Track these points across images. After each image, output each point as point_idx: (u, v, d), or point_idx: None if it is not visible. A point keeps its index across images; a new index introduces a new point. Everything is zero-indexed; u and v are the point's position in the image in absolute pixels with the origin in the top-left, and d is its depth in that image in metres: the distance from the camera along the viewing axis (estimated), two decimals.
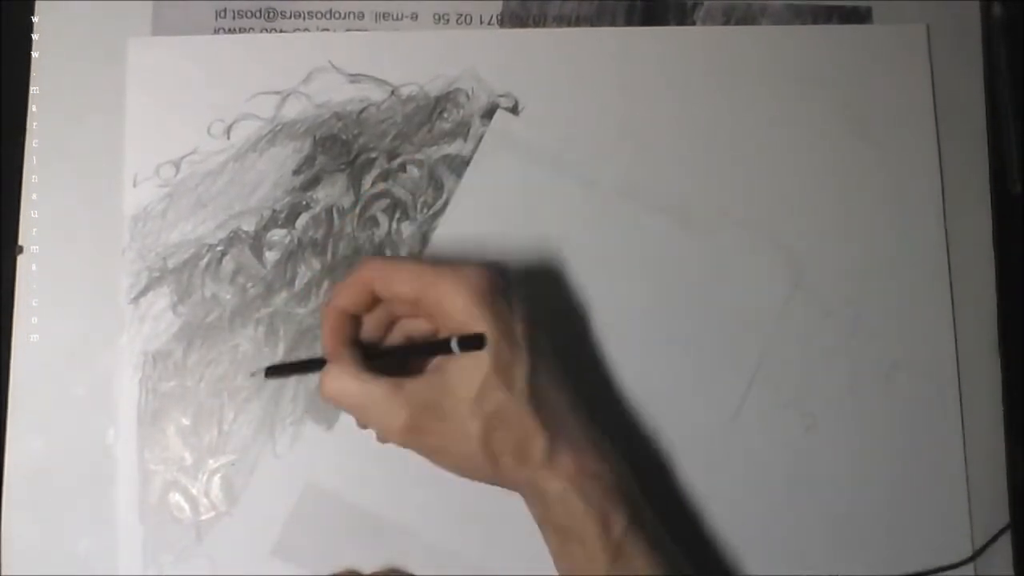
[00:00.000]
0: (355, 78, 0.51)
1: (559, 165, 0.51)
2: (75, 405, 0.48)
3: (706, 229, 0.51)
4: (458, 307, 0.40)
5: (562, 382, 0.43)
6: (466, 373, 0.40)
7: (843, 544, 0.49)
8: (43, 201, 0.49)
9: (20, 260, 0.49)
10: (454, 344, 0.40)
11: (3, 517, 0.47)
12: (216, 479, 0.48)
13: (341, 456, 0.48)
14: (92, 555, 0.47)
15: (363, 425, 0.42)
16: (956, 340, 0.50)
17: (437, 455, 0.42)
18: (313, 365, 0.43)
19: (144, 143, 0.50)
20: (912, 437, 0.50)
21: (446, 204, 0.50)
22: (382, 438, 0.42)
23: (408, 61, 0.51)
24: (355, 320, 0.43)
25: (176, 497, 0.48)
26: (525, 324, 0.41)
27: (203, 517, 0.48)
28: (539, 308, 0.43)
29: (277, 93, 0.51)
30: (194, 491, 0.48)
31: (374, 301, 0.43)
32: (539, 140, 0.51)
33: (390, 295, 0.42)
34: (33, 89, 0.50)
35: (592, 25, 0.53)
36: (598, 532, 0.40)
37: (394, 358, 0.44)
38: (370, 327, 0.44)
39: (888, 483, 0.49)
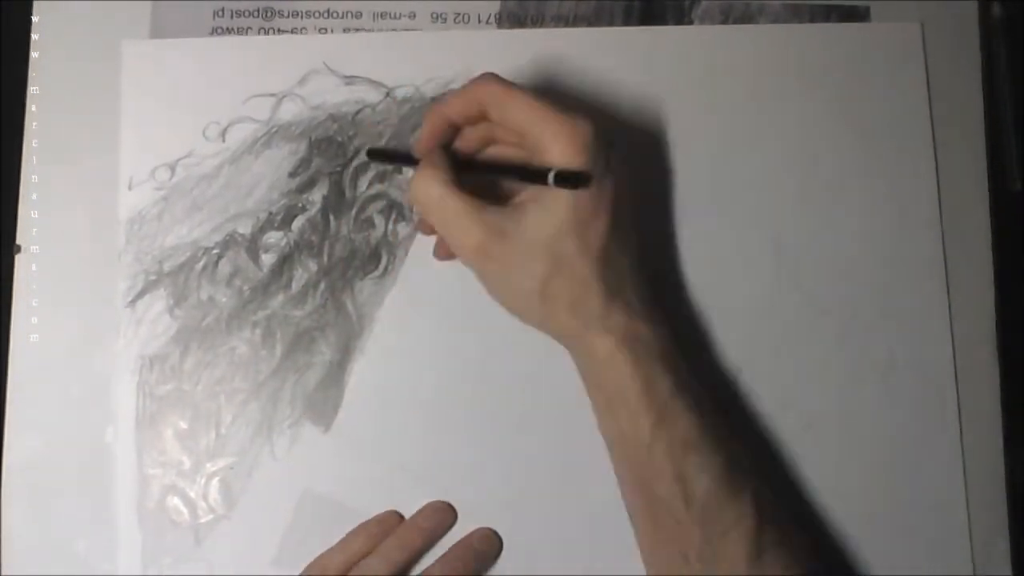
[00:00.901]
0: (350, 80, 0.51)
1: None
2: (73, 407, 0.48)
3: (700, 228, 0.50)
4: (561, 148, 0.41)
5: (632, 248, 0.43)
6: (546, 215, 0.41)
7: (839, 545, 0.48)
8: (41, 202, 0.49)
9: (18, 259, 0.49)
10: (551, 177, 0.40)
11: (2, 516, 0.47)
12: (214, 482, 0.48)
13: (339, 458, 0.48)
14: (91, 556, 0.47)
15: (431, 232, 0.44)
16: (953, 338, 0.50)
17: (497, 284, 0.43)
18: (408, 159, 0.45)
19: (139, 146, 0.50)
20: (909, 436, 0.49)
21: None
22: (451, 251, 0.43)
23: (403, 63, 0.51)
24: (455, 128, 0.44)
25: (174, 500, 0.48)
26: (615, 186, 0.42)
27: (201, 520, 0.48)
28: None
29: (272, 95, 0.51)
30: (192, 494, 0.48)
31: (480, 117, 0.43)
32: None
33: (500, 119, 0.43)
34: (32, 89, 0.50)
35: (590, 25, 0.52)
36: (643, 394, 0.41)
37: (484, 174, 0.44)
38: (467, 139, 0.45)
39: (885, 483, 0.49)
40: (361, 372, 0.49)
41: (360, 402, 0.49)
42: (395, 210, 0.50)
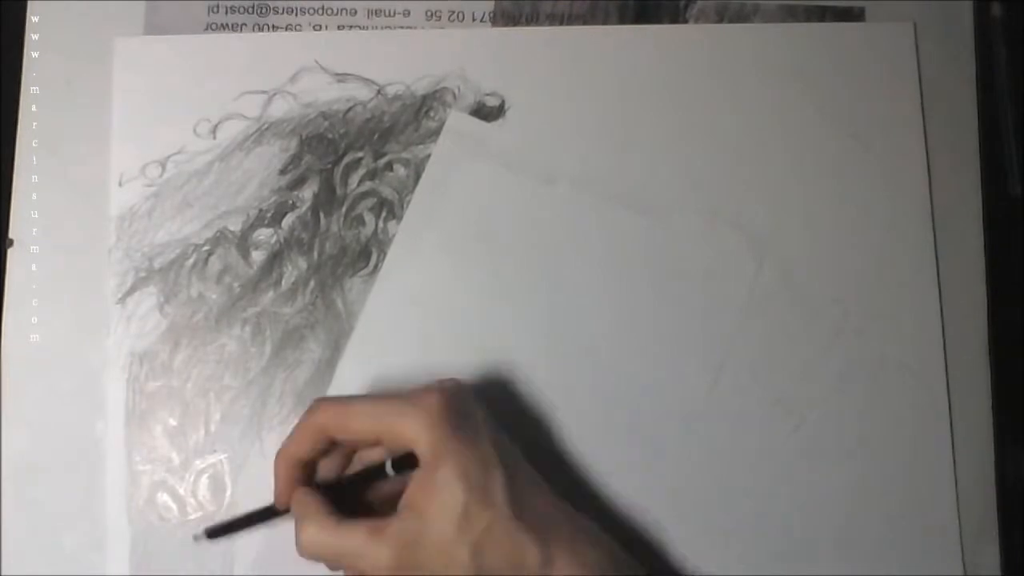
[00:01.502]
0: (341, 77, 0.51)
1: (540, 166, 0.50)
2: (64, 403, 0.48)
3: (690, 227, 0.50)
4: (422, 440, 0.40)
5: (540, 481, 0.42)
6: (444, 503, 0.39)
7: (830, 545, 0.48)
8: (37, 198, 0.49)
9: (11, 254, 0.49)
10: (388, 467, 0.40)
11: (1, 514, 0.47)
12: (203, 479, 0.48)
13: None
14: (79, 552, 0.47)
15: (343, 570, 0.41)
16: (944, 338, 0.50)
17: None
18: (263, 516, 0.43)
19: (130, 142, 0.50)
20: (900, 436, 0.49)
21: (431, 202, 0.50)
22: None
23: (394, 60, 0.51)
24: (309, 465, 0.43)
25: (163, 497, 0.48)
26: (492, 438, 0.41)
27: (190, 517, 0.48)
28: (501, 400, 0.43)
29: (263, 92, 0.51)
30: (181, 491, 0.48)
31: (330, 445, 0.42)
32: (524, 140, 0.50)
33: (349, 438, 0.42)
34: (33, 89, 0.50)
35: (585, 23, 0.52)
36: None
37: (355, 491, 0.43)
38: (326, 468, 0.44)
39: (876, 483, 0.49)
40: (350, 369, 0.49)
41: None
42: (385, 208, 0.50)
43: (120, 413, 0.48)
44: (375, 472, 0.41)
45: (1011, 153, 0.51)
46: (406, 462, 0.40)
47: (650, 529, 0.48)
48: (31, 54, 0.50)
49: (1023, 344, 0.51)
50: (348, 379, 0.49)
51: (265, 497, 0.46)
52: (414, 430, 0.40)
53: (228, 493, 0.48)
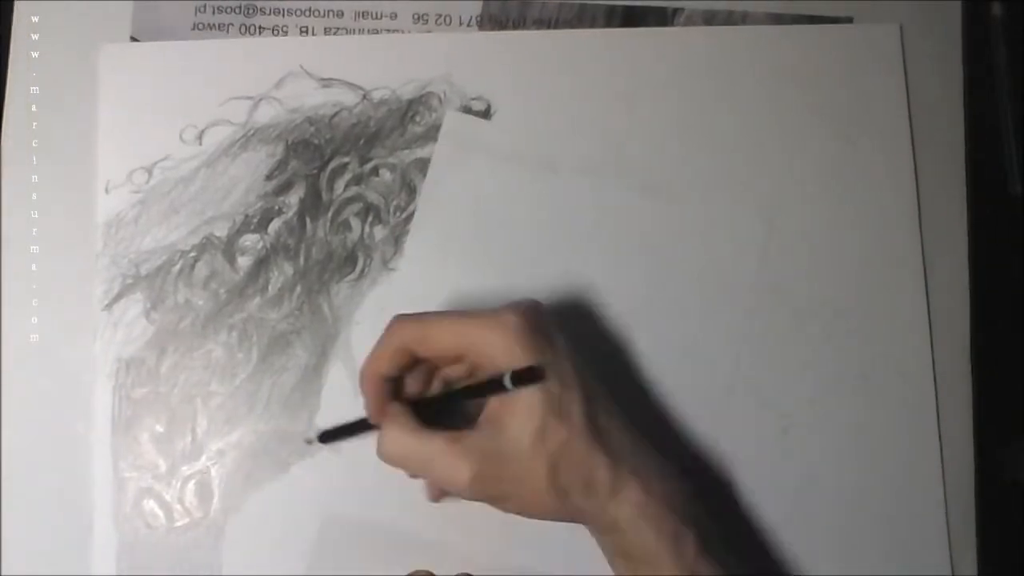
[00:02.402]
0: (327, 82, 0.51)
1: (532, 166, 0.50)
2: (52, 409, 0.48)
3: (680, 222, 0.50)
4: (502, 352, 0.40)
5: (615, 408, 0.42)
6: (522, 417, 0.40)
7: (817, 547, 0.48)
8: (26, 202, 0.49)
9: (7, 254, 0.49)
10: (507, 380, 0.39)
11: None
12: (190, 486, 0.48)
13: (320, 458, 0.48)
14: (66, 558, 0.47)
15: (440, 495, 0.43)
16: (932, 341, 0.50)
17: (504, 501, 0.41)
18: (365, 426, 0.43)
19: (116, 149, 0.50)
20: (888, 438, 0.49)
21: (418, 207, 0.50)
22: (447, 492, 0.42)
23: (380, 65, 0.51)
24: (395, 380, 0.43)
25: (150, 504, 0.48)
26: (572, 358, 0.41)
27: (177, 524, 0.48)
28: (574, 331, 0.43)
29: (249, 98, 0.51)
30: (168, 498, 0.48)
31: (413, 361, 0.42)
32: (511, 142, 0.51)
33: (430, 353, 0.42)
34: (33, 89, 0.50)
35: (572, 28, 0.52)
36: (671, 557, 0.40)
37: (444, 406, 0.43)
38: (411, 383, 0.44)
39: (863, 485, 0.49)
40: (338, 375, 0.49)
41: (337, 405, 0.49)
42: (372, 213, 0.50)
43: (107, 420, 0.48)
44: (491, 386, 0.40)
45: (1011, 153, 0.51)
46: (528, 376, 0.39)
47: None
48: (31, 54, 0.50)
49: (1010, 344, 0.51)
50: (337, 385, 0.49)
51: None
52: (495, 346, 0.40)
53: (215, 499, 0.48)
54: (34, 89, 0.50)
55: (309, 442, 0.47)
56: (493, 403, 0.41)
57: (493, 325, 0.40)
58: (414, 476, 0.43)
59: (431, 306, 0.49)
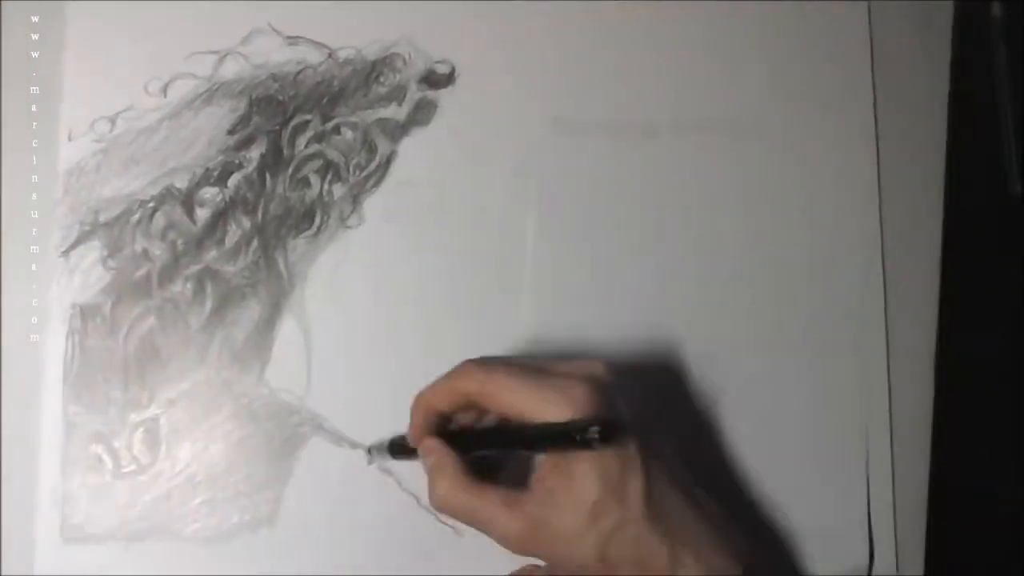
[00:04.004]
0: (293, 40, 0.51)
1: (494, 136, 0.51)
2: (4, 352, 0.48)
3: (643, 200, 0.50)
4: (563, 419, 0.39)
5: (683, 480, 0.42)
6: (578, 492, 0.39)
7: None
8: None
9: None
10: (594, 434, 0.37)
11: None
12: (139, 433, 0.48)
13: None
14: (12, 499, 0.47)
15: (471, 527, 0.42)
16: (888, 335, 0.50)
17: (554, 565, 0.42)
18: (406, 450, 0.44)
19: (80, 99, 0.50)
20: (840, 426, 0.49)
21: (378, 167, 0.50)
22: (496, 542, 0.41)
23: (346, 25, 0.51)
24: (444, 416, 0.43)
25: (98, 449, 0.48)
26: (636, 437, 0.40)
27: (124, 470, 0.48)
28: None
29: (215, 53, 0.51)
30: (116, 444, 0.48)
31: (467, 405, 0.42)
32: (475, 107, 0.51)
33: (491, 407, 0.42)
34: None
35: None
36: None
37: (495, 450, 0.43)
38: (463, 417, 0.44)
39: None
40: (290, 330, 0.49)
41: (287, 359, 0.49)
42: (331, 170, 0.50)
43: (58, 365, 0.48)
44: (560, 437, 0.39)
45: (1011, 153, 0.51)
46: (610, 435, 0.38)
47: None
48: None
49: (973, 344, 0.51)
50: (289, 339, 0.49)
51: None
52: (560, 414, 0.39)
53: (162, 448, 0.48)
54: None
55: (370, 461, 0.48)
56: (549, 466, 0.40)
57: (559, 398, 0.39)
58: (462, 523, 0.43)
59: (388, 266, 0.49)
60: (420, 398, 0.43)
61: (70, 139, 0.50)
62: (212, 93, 0.51)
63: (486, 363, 0.42)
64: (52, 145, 0.50)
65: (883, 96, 0.52)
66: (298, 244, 0.50)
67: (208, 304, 0.49)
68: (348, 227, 0.50)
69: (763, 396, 0.50)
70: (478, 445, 0.43)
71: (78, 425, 0.48)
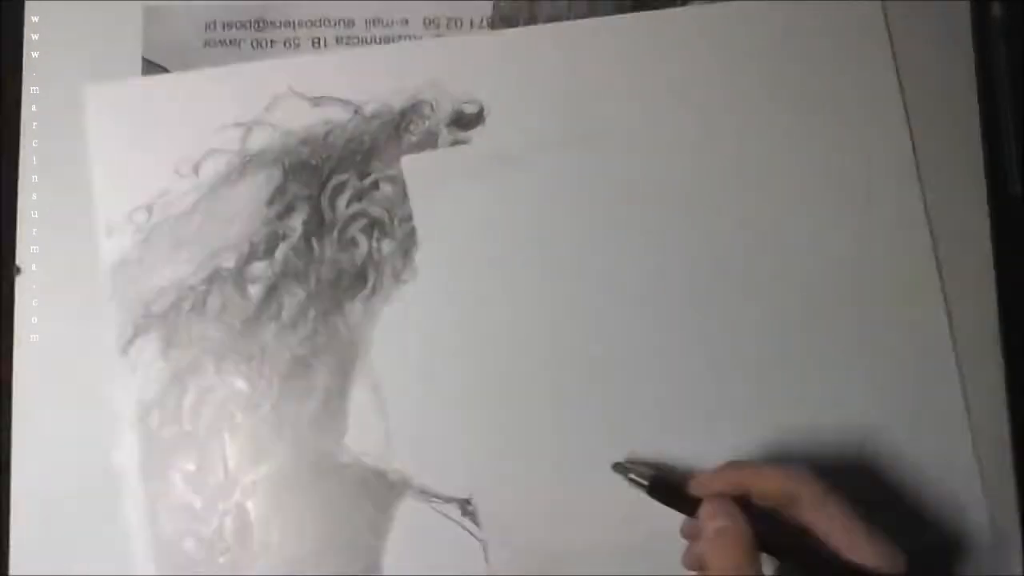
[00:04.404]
0: (317, 101, 0.50)
1: (529, 166, 0.50)
2: (79, 457, 0.48)
3: (676, 219, 0.50)
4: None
5: None
6: None
7: None
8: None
9: (19, 281, 0.49)
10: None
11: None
12: (227, 521, 0.48)
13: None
14: None
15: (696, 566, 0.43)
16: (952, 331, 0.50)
17: None
18: (687, 503, 0.43)
19: (113, 190, 0.49)
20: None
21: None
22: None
23: (368, 77, 0.51)
24: (746, 494, 0.43)
25: (190, 543, 0.48)
26: None
27: (220, 560, 0.48)
28: None
29: (241, 125, 0.50)
30: (206, 535, 0.48)
31: (782, 504, 0.42)
32: (507, 143, 0.50)
33: (800, 520, 0.42)
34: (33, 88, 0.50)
35: None
36: None
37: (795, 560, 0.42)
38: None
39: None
40: (362, 394, 0.49)
41: (364, 425, 0.49)
42: (377, 227, 0.50)
43: (135, 465, 0.48)
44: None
45: (1011, 153, 0.51)
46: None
47: None
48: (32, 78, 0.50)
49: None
50: (362, 405, 0.49)
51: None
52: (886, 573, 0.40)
53: (255, 531, 0.48)
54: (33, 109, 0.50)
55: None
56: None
57: (893, 554, 0.40)
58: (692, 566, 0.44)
59: (446, 316, 0.49)
60: (740, 465, 0.43)
61: (109, 234, 0.49)
62: (244, 165, 0.50)
63: (823, 483, 0.42)
64: (92, 244, 0.49)
65: (911, 91, 0.51)
66: (355, 306, 0.49)
67: (275, 380, 0.49)
68: (403, 282, 0.50)
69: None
70: (772, 540, 0.42)
71: (166, 524, 0.48)
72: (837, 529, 0.41)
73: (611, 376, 0.49)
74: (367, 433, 0.49)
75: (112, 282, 0.49)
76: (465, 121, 0.51)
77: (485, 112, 0.51)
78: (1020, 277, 0.51)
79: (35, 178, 0.50)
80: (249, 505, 0.48)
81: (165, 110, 0.50)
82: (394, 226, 0.50)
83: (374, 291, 0.49)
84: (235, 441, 0.48)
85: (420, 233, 0.50)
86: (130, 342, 0.49)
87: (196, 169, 0.50)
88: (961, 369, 0.50)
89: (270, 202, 0.50)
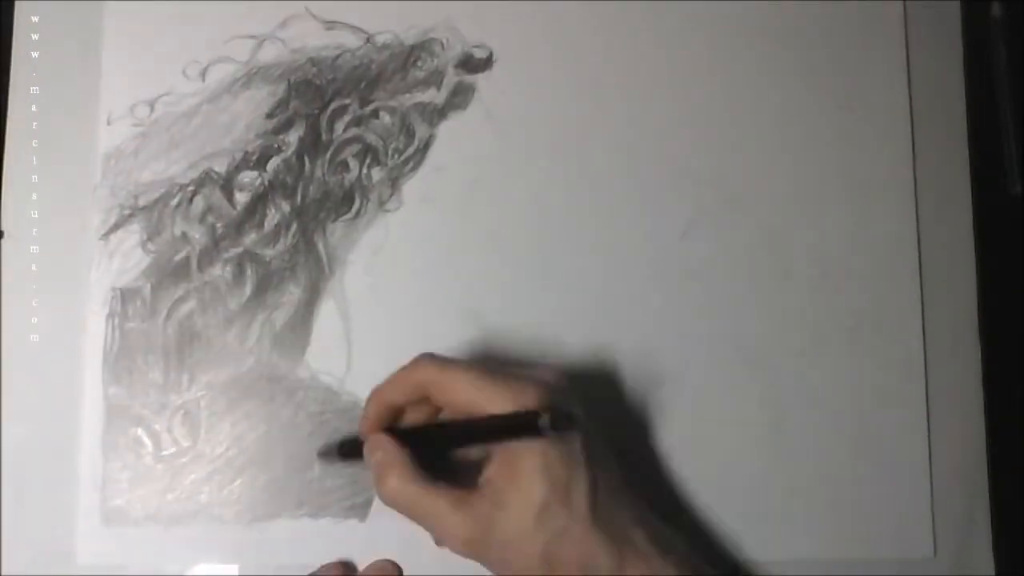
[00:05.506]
0: (331, 25, 0.51)
1: (532, 120, 0.51)
2: (46, 336, 0.49)
3: (674, 187, 0.50)
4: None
5: (626, 488, 0.42)
6: (526, 495, 0.39)
7: (802, 517, 0.49)
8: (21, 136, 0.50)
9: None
10: (544, 421, 0.37)
11: None
12: (179, 416, 0.48)
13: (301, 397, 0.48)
14: (54, 480, 0.48)
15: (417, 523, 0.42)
16: (923, 306, 0.50)
17: (498, 568, 0.41)
18: (357, 446, 0.43)
19: (119, 83, 0.50)
20: (876, 403, 0.49)
21: (416, 151, 0.50)
22: (441, 544, 0.41)
23: (384, 10, 0.51)
24: (398, 410, 0.43)
25: (138, 432, 0.48)
26: (584, 438, 0.40)
27: (164, 453, 0.48)
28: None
29: (253, 37, 0.51)
30: (157, 427, 0.48)
31: (422, 399, 0.42)
32: (511, 92, 0.51)
33: (444, 401, 0.42)
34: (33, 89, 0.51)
35: None
36: None
37: (448, 444, 0.43)
38: (413, 414, 0.44)
39: (851, 457, 0.49)
40: (329, 313, 0.49)
41: (327, 342, 0.49)
42: (370, 154, 0.50)
43: (99, 347, 0.48)
44: (516, 427, 0.39)
45: (1011, 153, 0.51)
46: (559, 423, 0.38)
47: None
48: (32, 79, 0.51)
49: (1014, 335, 0.51)
50: (326, 324, 0.49)
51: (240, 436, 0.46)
52: (512, 409, 0.40)
53: (202, 431, 0.48)
54: (34, 90, 0.50)
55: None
56: (497, 466, 0.40)
57: (511, 398, 0.40)
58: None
59: (425, 249, 0.49)
60: (375, 393, 0.43)
61: (109, 123, 0.50)
62: (250, 77, 0.51)
63: (442, 357, 0.42)
64: (91, 129, 0.50)
65: (918, 94, 0.51)
66: (337, 228, 0.50)
67: (248, 287, 0.49)
68: (387, 211, 0.50)
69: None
70: (428, 441, 0.42)
71: (118, 408, 0.48)
72: (469, 392, 0.40)
73: (598, 333, 0.49)
74: (329, 353, 0.49)
75: (103, 170, 0.50)
76: (473, 65, 0.51)
77: (494, 59, 0.51)
78: (1020, 277, 0.51)
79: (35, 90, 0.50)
80: (202, 404, 0.48)
81: (181, 14, 0.51)
82: (387, 156, 0.50)
83: (357, 215, 0.50)
84: (200, 341, 0.49)
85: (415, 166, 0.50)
86: (112, 229, 0.49)
87: (203, 74, 0.51)
88: (928, 388, 0.49)
89: (270, 115, 0.50)
